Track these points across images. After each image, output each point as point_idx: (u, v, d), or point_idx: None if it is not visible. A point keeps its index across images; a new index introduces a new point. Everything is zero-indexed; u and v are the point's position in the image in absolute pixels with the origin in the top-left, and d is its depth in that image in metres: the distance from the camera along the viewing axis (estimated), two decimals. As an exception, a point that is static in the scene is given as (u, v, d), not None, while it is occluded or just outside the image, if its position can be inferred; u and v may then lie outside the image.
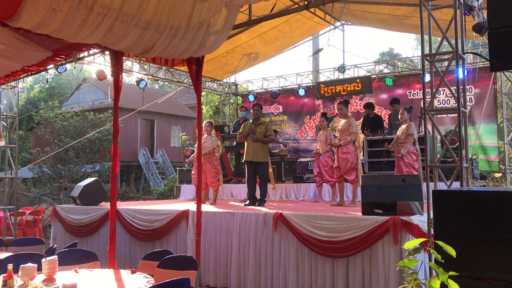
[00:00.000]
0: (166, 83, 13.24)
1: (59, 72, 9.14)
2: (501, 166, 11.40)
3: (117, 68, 4.87)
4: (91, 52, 8.86)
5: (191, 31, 4.81)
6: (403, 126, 7.41)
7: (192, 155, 8.86)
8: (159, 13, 4.45)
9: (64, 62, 7.21)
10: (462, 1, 4.44)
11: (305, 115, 13.43)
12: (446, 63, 4.53)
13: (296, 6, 5.89)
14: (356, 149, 7.24)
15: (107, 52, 7.27)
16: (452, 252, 2.45)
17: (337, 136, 7.84)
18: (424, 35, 4.63)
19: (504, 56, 3.82)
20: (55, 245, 5.92)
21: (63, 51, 4.85)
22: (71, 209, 8.22)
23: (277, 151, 11.89)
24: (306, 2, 5.73)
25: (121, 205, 8.22)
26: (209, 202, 8.40)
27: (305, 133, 13.57)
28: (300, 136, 13.59)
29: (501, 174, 11.68)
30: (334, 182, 7.72)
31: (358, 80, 11.86)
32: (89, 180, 8.60)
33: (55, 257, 3.65)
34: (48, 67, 6.27)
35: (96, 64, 10.10)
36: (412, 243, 2.64)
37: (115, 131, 4.92)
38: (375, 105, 11.33)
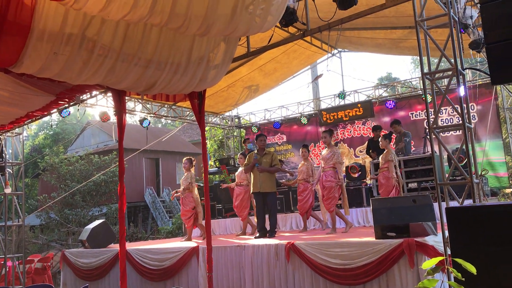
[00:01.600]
0: (169, 121, 13.34)
1: (63, 117, 9.22)
2: (510, 181, 11.27)
3: (120, 107, 4.90)
4: (93, 94, 9.00)
5: (191, 66, 4.86)
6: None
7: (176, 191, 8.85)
8: (159, 51, 4.51)
9: (67, 105, 7.28)
10: (456, 19, 4.49)
11: (309, 143, 13.43)
12: (446, 81, 4.53)
13: (291, 35, 5.96)
14: (340, 179, 7.25)
15: (109, 94, 7.36)
16: (472, 269, 2.38)
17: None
18: (423, 56, 4.67)
19: (503, 69, 3.83)
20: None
21: (66, 94, 4.90)
22: (80, 253, 8.13)
23: (283, 181, 11.83)
24: (301, 32, 5.83)
25: (130, 246, 8.13)
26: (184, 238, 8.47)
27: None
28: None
29: (511, 190, 11.52)
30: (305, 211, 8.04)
31: (359, 105, 11.92)
32: (97, 222, 8.54)
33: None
34: (52, 112, 6.33)
35: (99, 106, 10.22)
36: (430, 262, 2.57)
37: (121, 170, 4.91)
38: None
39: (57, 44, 3.70)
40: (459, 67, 4.24)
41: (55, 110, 6.58)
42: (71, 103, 6.19)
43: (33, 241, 17.66)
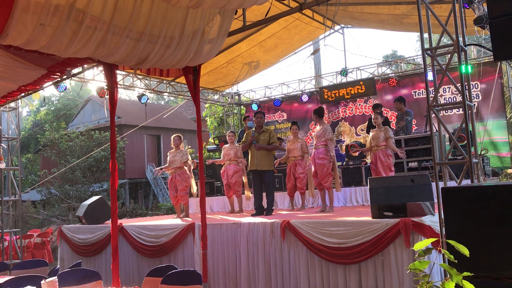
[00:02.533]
0: (172, 98, 13.23)
1: (60, 92, 9.10)
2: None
3: (112, 81, 4.78)
4: (88, 68, 8.85)
5: (185, 40, 4.73)
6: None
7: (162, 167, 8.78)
8: (151, 24, 4.37)
9: (60, 79, 7.15)
10: (460, -8, 4.32)
11: (310, 121, 13.29)
12: (448, 57, 4.38)
13: (289, 9, 5.78)
14: (332, 156, 7.13)
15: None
16: (465, 251, 2.30)
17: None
18: (425, 33, 4.51)
19: (506, 45, 3.68)
20: (58, 266, 5.80)
21: (57, 67, 4.78)
22: (77, 229, 8.12)
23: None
24: (298, 4, 5.65)
25: (127, 222, 8.11)
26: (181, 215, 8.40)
27: (311, 139, 13.41)
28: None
29: (513, 170, 11.42)
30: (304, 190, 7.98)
31: (361, 83, 11.74)
32: (94, 198, 8.50)
33: (54, 278, 3.52)
34: (44, 86, 6.22)
35: (96, 81, 10.07)
36: (422, 243, 2.49)
37: (112, 146, 4.83)
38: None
39: (43, 15, 3.57)
40: (461, 43, 4.09)
41: (48, 84, 6.46)
42: (63, 77, 6.07)
43: (34, 216, 17.76)
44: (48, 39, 3.77)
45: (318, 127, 7.39)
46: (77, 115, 28.72)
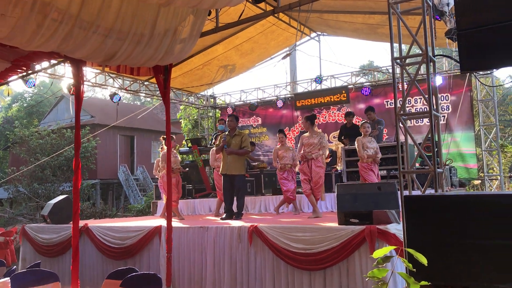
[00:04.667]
0: (148, 99, 13.06)
1: (29, 87, 8.88)
2: (480, 174, 11.41)
3: (78, 77, 4.66)
4: (63, 65, 8.66)
5: (156, 38, 4.65)
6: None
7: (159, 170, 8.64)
8: (121, 20, 4.28)
9: (26, 74, 6.96)
10: (430, 4, 4.37)
11: (284, 126, 13.31)
12: (422, 70, 4.42)
13: (263, 12, 5.77)
14: (324, 163, 7.14)
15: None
16: (423, 260, 2.30)
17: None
18: (401, 43, 4.55)
19: (473, 57, 3.74)
20: (14, 267, 5.61)
21: (21, 61, 4.63)
22: (41, 229, 7.90)
23: (256, 163, 11.73)
24: (272, 7, 5.64)
25: (94, 223, 7.93)
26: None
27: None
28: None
29: (480, 181, 11.68)
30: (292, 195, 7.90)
31: (335, 91, 11.82)
32: (60, 197, 8.28)
33: (6, 279, 3.40)
34: (9, 80, 6.03)
35: (68, 78, 9.85)
36: (381, 251, 2.49)
37: (76, 144, 4.69)
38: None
39: (4, 5, 3.44)
40: (430, 53, 4.13)
41: (14, 78, 6.27)
42: (29, 72, 5.91)
43: (-1, 215, 17.26)
44: (9, 30, 3.64)
45: (308, 134, 7.25)
46: (50, 112, 28.11)
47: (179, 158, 8.49)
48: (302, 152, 7.17)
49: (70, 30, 3.95)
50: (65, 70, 9.69)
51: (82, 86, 4.67)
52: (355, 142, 7.69)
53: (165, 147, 8.10)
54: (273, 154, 8.16)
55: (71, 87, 9.43)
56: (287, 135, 13.27)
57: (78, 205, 4.67)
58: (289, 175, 7.93)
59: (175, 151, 8.39)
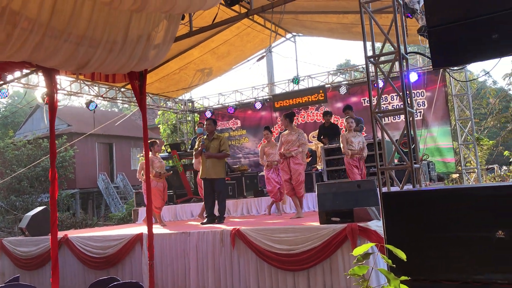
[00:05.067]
0: (126, 105, 12.91)
1: (2, 98, 8.70)
2: (458, 167, 11.61)
3: (52, 87, 4.59)
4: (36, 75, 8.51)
5: (129, 45, 4.61)
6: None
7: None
8: (93, 27, 4.23)
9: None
10: (401, 2, 4.43)
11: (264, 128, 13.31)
12: (391, 65, 4.48)
13: (237, 15, 5.78)
14: (305, 161, 7.13)
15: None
16: (402, 255, 2.32)
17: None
18: (374, 42, 4.60)
19: (444, 53, 3.81)
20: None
21: (-9, 72, 4.54)
22: (19, 242, 7.74)
23: (237, 166, 11.72)
24: (246, 10, 5.66)
25: (74, 233, 7.82)
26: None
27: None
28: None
29: (458, 175, 11.89)
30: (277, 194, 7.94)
31: (312, 91, 11.90)
32: (38, 209, 8.13)
33: (-17, 295, 3.31)
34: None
35: (42, 87, 9.69)
36: (361, 248, 2.50)
37: (52, 154, 4.61)
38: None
39: (-30, 15, 3.37)
40: (402, 51, 4.19)
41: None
42: (1, 82, 5.79)
43: (-25, 229, 16.86)
44: (-23, 41, 3.57)
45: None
46: (25, 122, 27.60)
47: (164, 163, 8.43)
48: (282, 150, 7.16)
49: (41, 39, 3.89)
50: (39, 79, 9.53)
51: (55, 95, 4.60)
52: (340, 138, 7.73)
53: (149, 152, 8.05)
54: (260, 151, 8.19)
55: (45, 96, 9.29)
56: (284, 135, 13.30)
57: (56, 216, 4.59)
58: (274, 173, 7.92)
59: (160, 156, 8.32)
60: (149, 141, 8.16)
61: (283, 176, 7.36)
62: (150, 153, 8.01)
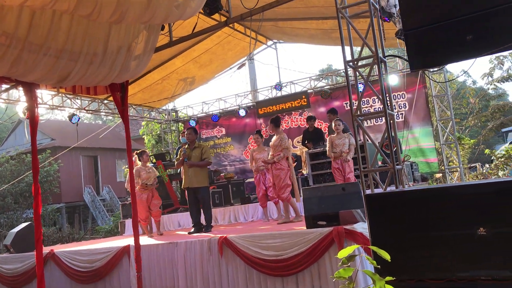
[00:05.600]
0: (110, 117, 12.83)
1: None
2: (441, 167, 11.75)
3: (32, 101, 4.55)
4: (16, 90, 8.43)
5: (109, 56, 4.60)
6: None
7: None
8: (72, 40, 4.22)
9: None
10: (377, 6, 4.51)
11: (248, 135, 13.36)
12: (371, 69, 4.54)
13: (216, 24, 5.82)
14: (289, 165, 7.12)
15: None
16: (386, 256, 2.35)
17: None
18: (352, 46, 4.66)
19: (421, 55, 3.89)
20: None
21: (-30, 88, 4.49)
22: (4, 259, 7.63)
23: (223, 174, 11.71)
24: (225, 18, 5.70)
25: (60, 248, 7.72)
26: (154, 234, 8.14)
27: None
28: (245, 156, 13.48)
29: (441, 175, 12.04)
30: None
31: (295, 96, 11.98)
32: (23, 225, 8.03)
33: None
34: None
35: (23, 102, 9.59)
36: (346, 251, 2.52)
37: (34, 169, 4.57)
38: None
39: None
40: (380, 54, 4.26)
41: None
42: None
43: (-42, 248, 16.49)
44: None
45: (275, 137, 7.25)
46: (8, 138, 27.24)
47: (157, 172, 8.36)
48: (253, 165, 7.29)
49: (20, 53, 3.88)
50: (20, 94, 9.43)
51: (36, 110, 4.57)
52: (327, 140, 7.78)
53: (138, 162, 8.00)
54: (250, 156, 8.17)
55: (26, 111, 9.20)
56: (252, 143, 13.33)
57: (40, 232, 4.54)
58: (260, 179, 7.90)
59: (149, 165, 8.26)
60: (138, 151, 8.14)
61: (269, 182, 7.40)
62: (139, 163, 7.98)
